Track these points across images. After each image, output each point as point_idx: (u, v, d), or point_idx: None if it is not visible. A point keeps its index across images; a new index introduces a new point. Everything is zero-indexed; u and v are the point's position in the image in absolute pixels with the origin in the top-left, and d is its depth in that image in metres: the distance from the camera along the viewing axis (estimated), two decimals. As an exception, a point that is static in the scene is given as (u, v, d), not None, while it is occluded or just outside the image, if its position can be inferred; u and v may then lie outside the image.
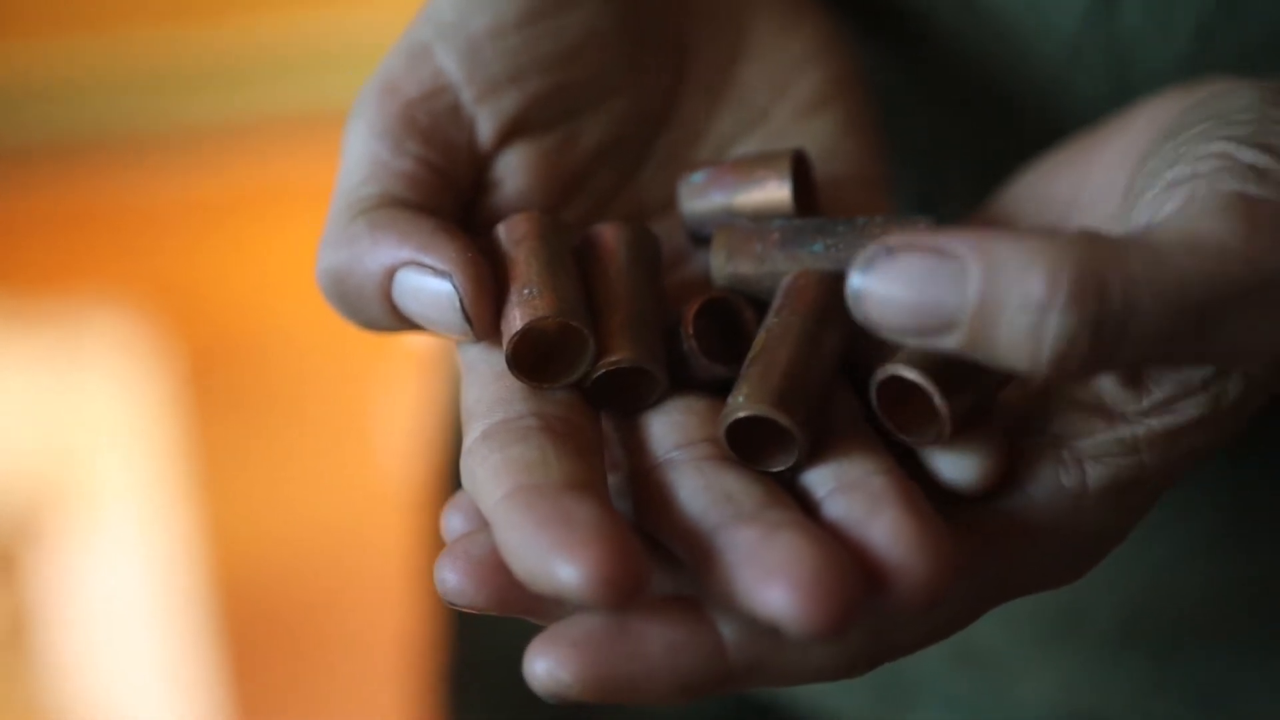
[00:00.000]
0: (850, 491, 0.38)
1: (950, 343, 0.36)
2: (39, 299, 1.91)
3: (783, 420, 0.39)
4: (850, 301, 0.37)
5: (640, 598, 0.36)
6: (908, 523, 0.37)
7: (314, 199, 2.06)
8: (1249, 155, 0.39)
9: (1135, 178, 0.42)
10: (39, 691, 1.55)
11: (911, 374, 0.38)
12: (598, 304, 0.42)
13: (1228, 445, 0.41)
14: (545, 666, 0.36)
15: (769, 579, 0.35)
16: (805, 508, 0.39)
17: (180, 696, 1.57)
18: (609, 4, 0.46)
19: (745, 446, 0.40)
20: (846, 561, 0.36)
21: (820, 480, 0.39)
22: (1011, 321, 0.35)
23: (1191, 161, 0.39)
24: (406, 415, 1.72)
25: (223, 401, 1.79)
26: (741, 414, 0.39)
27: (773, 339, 0.41)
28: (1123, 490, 0.40)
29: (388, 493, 1.69)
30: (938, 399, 0.38)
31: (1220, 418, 0.40)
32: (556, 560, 0.35)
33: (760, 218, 0.45)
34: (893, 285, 0.36)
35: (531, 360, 0.41)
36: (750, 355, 0.41)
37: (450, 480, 0.78)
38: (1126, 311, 0.35)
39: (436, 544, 0.78)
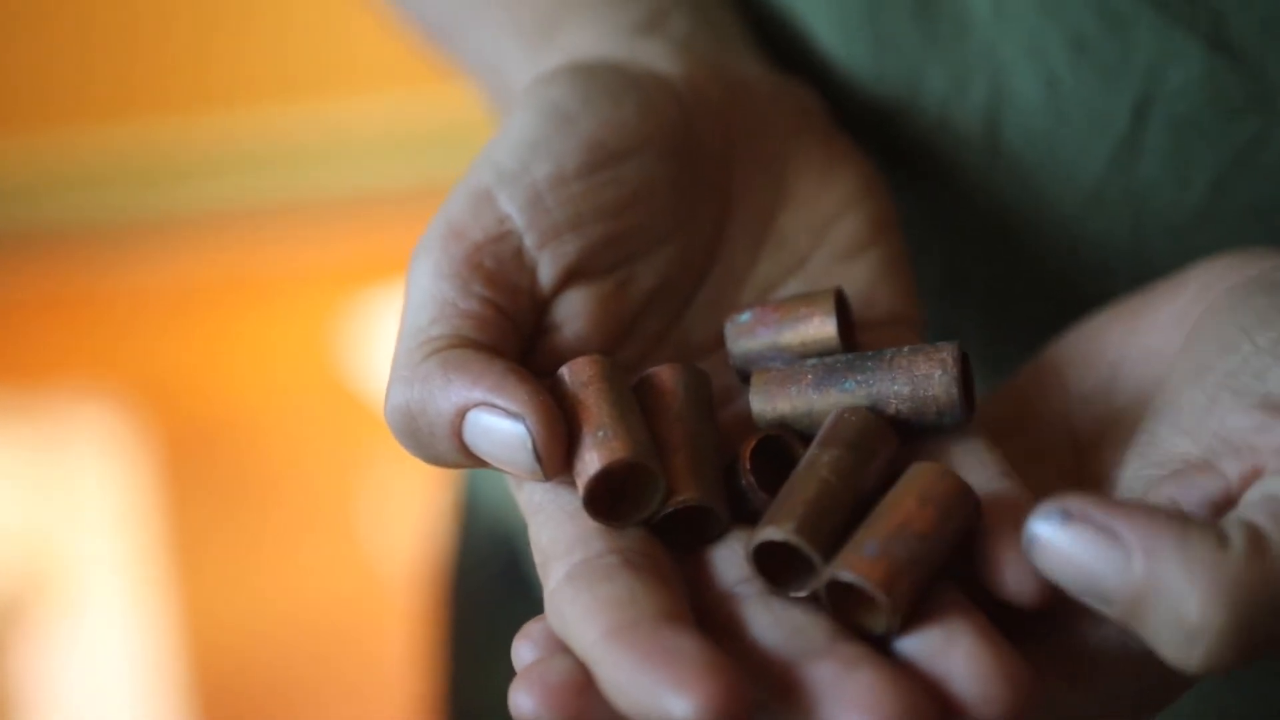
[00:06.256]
0: (921, 622, 0.40)
1: (1108, 613, 0.38)
2: (18, 386, 1.91)
3: (798, 543, 0.40)
4: (1024, 543, 0.39)
5: None
6: (984, 653, 0.38)
7: (288, 288, 2.06)
8: None
9: (1199, 355, 0.44)
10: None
11: (848, 576, 0.40)
12: (660, 444, 0.43)
13: None
14: None
15: (854, 713, 0.37)
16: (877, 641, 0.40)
17: (159, 783, 1.57)
18: (662, 155, 0.48)
19: (777, 572, 0.41)
20: (925, 698, 0.37)
21: None
22: (1164, 628, 0.37)
23: None
24: (384, 503, 1.72)
25: (202, 489, 1.80)
26: (760, 540, 0.41)
27: (803, 470, 0.42)
28: None
29: (367, 580, 1.70)
30: (880, 596, 0.39)
31: None
32: (667, 695, 0.37)
33: (806, 354, 0.46)
34: (1063, 548, 0.38)
35: (604, 500, 0.42)
36: (785, 486, 0.42)
37: (455, 572, 0.79)
38: (1274, 624, 0.37)
39: (436, 631, 0.79)
